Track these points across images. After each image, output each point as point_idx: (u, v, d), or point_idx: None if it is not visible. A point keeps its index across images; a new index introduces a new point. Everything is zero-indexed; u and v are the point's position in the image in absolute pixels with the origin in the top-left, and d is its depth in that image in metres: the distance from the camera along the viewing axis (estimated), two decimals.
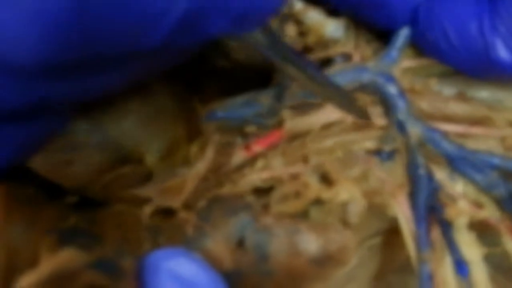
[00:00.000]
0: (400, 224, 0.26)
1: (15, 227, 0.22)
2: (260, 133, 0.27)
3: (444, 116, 0.27)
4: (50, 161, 0.22)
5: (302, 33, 0.28)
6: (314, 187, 0.26)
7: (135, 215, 0.24)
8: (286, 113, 0.27)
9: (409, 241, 0.26)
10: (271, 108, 0.26)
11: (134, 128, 0.23)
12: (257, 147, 0.26)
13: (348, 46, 0.28)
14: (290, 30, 0.28)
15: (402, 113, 0.26)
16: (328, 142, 0.27)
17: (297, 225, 0.25)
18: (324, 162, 0.26)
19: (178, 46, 0.18)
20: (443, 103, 0.27)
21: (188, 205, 0.24)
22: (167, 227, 0.24)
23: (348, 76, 0.27)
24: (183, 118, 0.25)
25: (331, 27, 0.28)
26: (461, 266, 0.25)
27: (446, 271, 0.26)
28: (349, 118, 0.27)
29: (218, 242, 0.24)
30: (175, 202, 0.24)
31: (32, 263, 0.21)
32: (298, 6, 0.28)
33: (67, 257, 0.21)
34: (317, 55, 0.28)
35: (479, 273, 0.26)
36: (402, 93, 0.27)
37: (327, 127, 0.27)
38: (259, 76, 0.26)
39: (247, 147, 0.26)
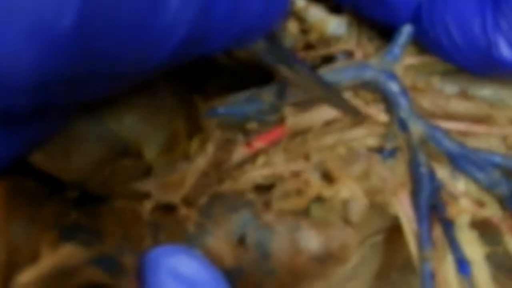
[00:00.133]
0: (401, 222, 0.26)
1: (16, 223, 0.22)
2: (261, 130, 0.26)
3: (446, 114, 0.27)
4: (49, 153, 0.22)
5: (304, 31, 0.28)
6: (316, 185, 0.26)
7: (136, 211, 0.24)
8: (287, 110, 0.26)
9: (411, 239, 0.26)
10: (272, 105, 0.26)
11: (134, 122, 0.23)
12: (258, 144, 0.26)
13: (350, 44, 0.28)
14: (292, 27, 0.28)
15: (404, 111, 0.26)
16: (330, 139, 0.27)
17: (298, 223, 0.25)
18: (325, 159, 0.26)
19: (178, 63, 0.18)
20: (445, 101, 0.27)
21: (189, 202, 0.24)
22: (168, 224, 0.24)
23: (350, 74, 0.27)
24: (184, 114, 0.25)
25: (333, 25, 0.28)
26: (462, 265, 0.25)
27: (447, 269, 0.25)
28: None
29: (219, 239, 0.24)
30: (175, 197, 0.24)
31: (33, 259, 0.21)
32: (300, 3, 0.28)
33: (67, 253, 0.21)
34: (319, 52, 0.28)
35: (481, 272, 0.26)
36: (404, 90, 0.27)
37: (328, 124, 0.27)
38: (260, 73, 0.26)
39: (248, 144, 0.26)
